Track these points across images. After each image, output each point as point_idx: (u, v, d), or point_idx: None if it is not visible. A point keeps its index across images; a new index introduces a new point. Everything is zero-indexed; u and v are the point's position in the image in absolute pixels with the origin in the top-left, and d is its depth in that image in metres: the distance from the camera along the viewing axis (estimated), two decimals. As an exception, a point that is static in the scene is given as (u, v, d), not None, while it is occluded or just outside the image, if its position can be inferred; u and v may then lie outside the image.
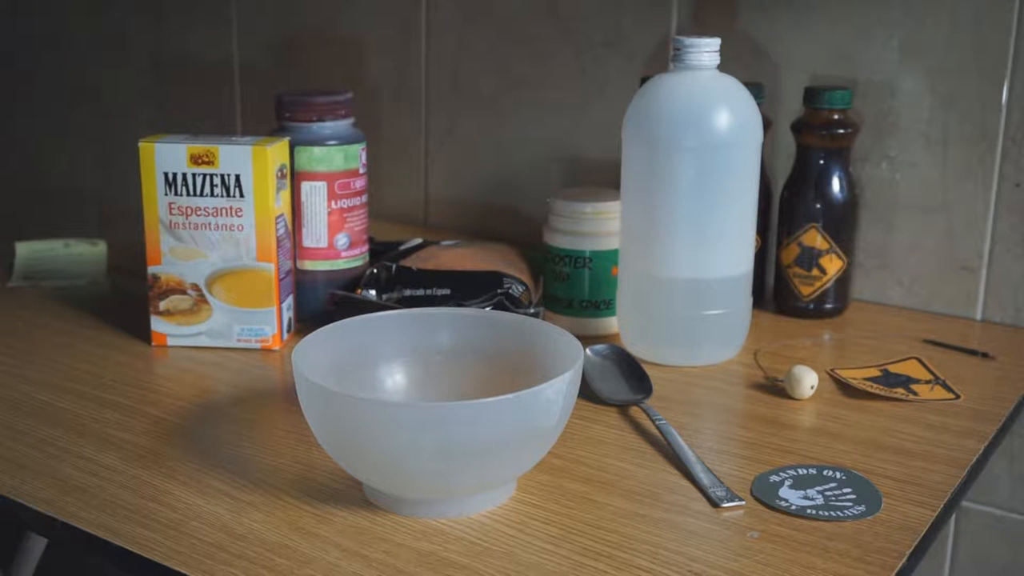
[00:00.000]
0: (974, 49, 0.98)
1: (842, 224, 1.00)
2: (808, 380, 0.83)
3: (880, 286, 1.07)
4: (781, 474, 0.71)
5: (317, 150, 0.95)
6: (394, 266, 0.98)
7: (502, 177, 1.29)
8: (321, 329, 0.71)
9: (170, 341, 0.93)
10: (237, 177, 0.89)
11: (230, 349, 0.93)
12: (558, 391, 0.63)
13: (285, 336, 0.94)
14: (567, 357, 0.67)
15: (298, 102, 0.96)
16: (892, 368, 0.89)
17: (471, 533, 0.64)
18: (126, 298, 1.05)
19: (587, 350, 0.85)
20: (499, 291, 0.94)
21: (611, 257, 0.95)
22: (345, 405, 0.63)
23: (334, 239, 0.97)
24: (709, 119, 0.85)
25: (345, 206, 0.97)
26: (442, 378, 0.75)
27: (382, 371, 0.75)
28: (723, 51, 0.87)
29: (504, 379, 0.70)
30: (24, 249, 1.15)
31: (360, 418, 0.62)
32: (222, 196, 0.90)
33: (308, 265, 0.98)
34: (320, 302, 0.97)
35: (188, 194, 0.90)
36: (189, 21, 1.54)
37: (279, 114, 0.97)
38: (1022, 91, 0.97)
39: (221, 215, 0.90)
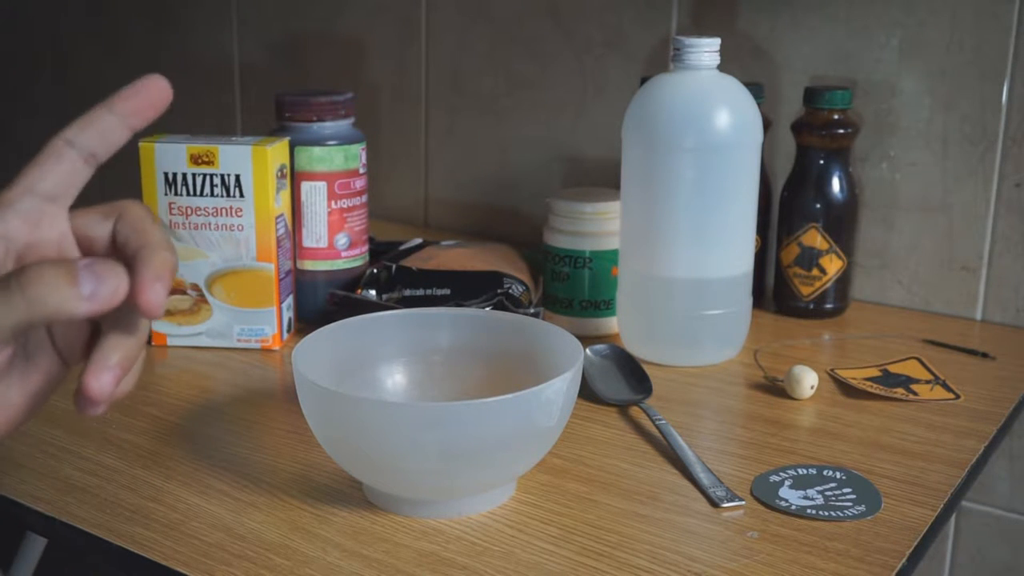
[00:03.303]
0: (974, 49, 0.98)
1: (842, 224, 1.00)
2: (808, 380, 0.83)
3: (880, 286, 1.07)
4: (781, 474, 0.71)
5: (317, 150, 0.95)
6: (394, 266, 0.98)
7: (502, 177, 1.29)
8: (321, 329, 0.71)
9: (170, 341, 0.93)
10: (237, 177, 0.89)
11: (230, 349, 0.93)
12: (558, 391, 0.63)
13: (285, 336, 0.94)
14: (567, 357, 0.67)
15: (298, 102, 0.96)
16: (892, 368, 0.89)
17: (471, 533, 0.64)
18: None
19: (587, 350, 0.85)
20: (499, 291, 0.94)
21: (611, 257, 0.95)
22: (345, 405, 0.63)
23: (334, 239, 0.97)
24: (709, 119, 0.85)
25: (345, 206, 0.97)
26: (442, 378, 0.75)
27: (382, 371, 0.75)
28: (723, 51, 0.87)
29: (504, 379, 0.70)
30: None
31: (361, 418, 0.62)
32: (222, 196, 0.90)
33: (308, 265, 0.98)
34: (320, 302, 0.97)
35: (188, 194, 0.90)
36: (189, 21, 1.54)
37: (279, 114, 0.97)
38: (1022, 91, 0.97)
39: (221, 215, 0.90)
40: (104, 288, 0.43)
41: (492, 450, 0.62)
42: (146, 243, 0.45)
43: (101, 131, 0.47)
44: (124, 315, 0.45)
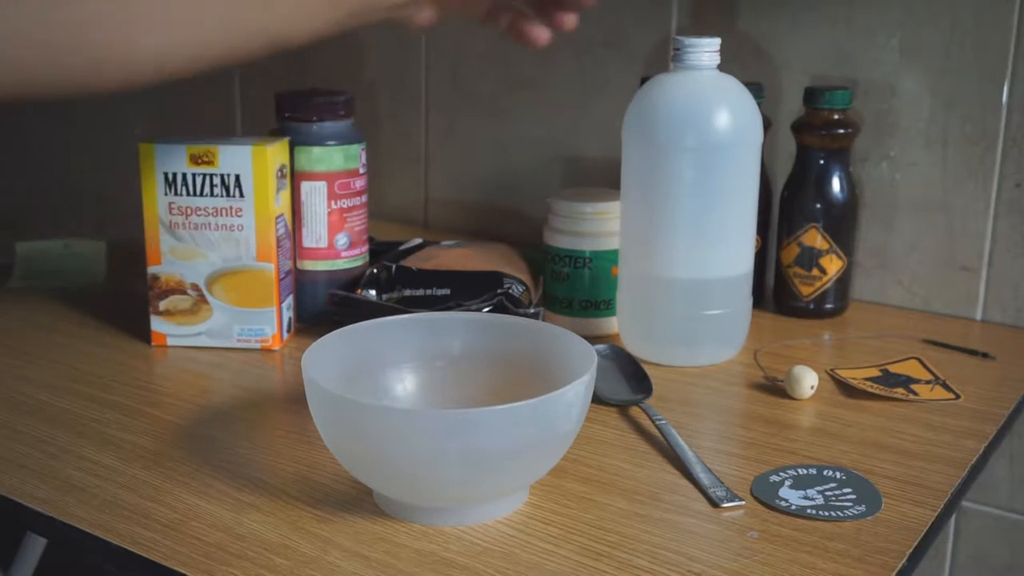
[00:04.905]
0: (974, 49, 0.98)
1: (842, 224, 1.00)
2: (808, 380, 0.83)
3: (880, 286, 1.07)
4: (781, 474, 0.71)
5: (317, 150, 0.95)
6: (394, 266, 0.98)
7: (502, 177, 1.29)
8: (330, 335, 0.71)
9: (170, 341, 0.93)
10: (237, 177, 0.89)
11: (230, 349, 0.93)
12: (577, 394, 0.63)
13: (285, 336, 0.94)
14: (579, 360, 0.67)
15: (298, 102, 0.96)
16: (892, 368, 0.89)
17: (471, 533, 0.64)
18: (126, 298, 1.05)
19: (587, 350, 0.85)
20: (499, 291, 0.94)
21: (611, 257, 0.95)
22: (367, 415, 0.62)
23: (334, 239, 0.97)
24: (709, 119, 0.85)
25: (345, 206, 0.97)
26: (453, 382, 0.74)
27: (391, 376, 0.74)
28: (723, 51, 0.87)
29: (513, 383, 0.70)
30: (24, 249, 1.15)
31: (384, 428, 0.61)
32: (222, 196, 0.90)
33: (308, 265, 0.98)
34: (320, 302, 0.97)
35: (188, 194, 0.90)
36: (189, 21, 1.54)
37: (279, 114, 0.97)
38: (1022, 91, 0.97)
39: (221, 215, 0.90)
40: None
41: (513, 455, 0.62)
42: None
43: None
44: None
